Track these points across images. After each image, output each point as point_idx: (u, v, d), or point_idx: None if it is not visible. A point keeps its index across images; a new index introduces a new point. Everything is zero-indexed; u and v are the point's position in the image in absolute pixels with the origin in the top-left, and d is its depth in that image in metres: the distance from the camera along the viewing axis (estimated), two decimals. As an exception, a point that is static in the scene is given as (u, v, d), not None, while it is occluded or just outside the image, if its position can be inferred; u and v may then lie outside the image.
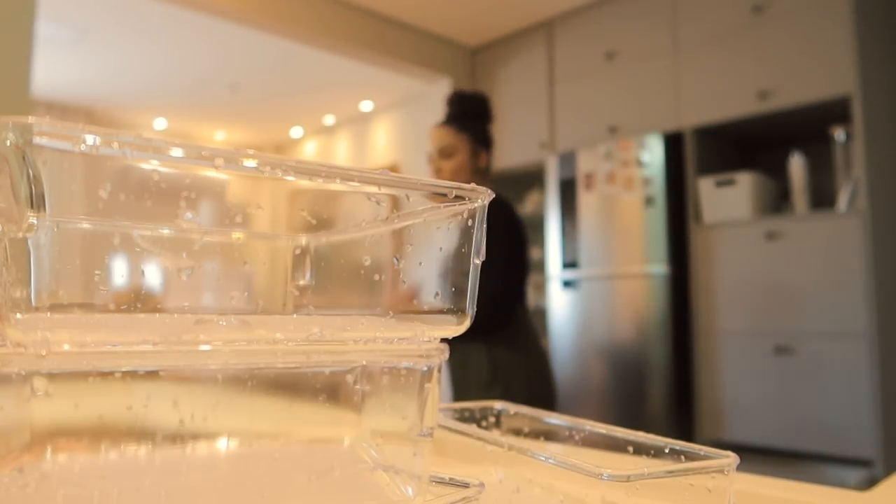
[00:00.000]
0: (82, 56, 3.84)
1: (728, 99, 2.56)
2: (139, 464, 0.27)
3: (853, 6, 2.29)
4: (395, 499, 0.32)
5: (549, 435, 0.54)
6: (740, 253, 2.49)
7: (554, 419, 0.53)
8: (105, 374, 0.25)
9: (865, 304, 2.16)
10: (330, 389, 0.33)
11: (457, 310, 0.33)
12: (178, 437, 0.28)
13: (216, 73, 4.15)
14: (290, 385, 0.31)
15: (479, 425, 0.81)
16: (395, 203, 0.34)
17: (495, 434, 0.67)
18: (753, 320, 2.41)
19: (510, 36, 3.58)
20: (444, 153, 1.62)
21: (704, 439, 2.48)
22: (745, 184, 2.51)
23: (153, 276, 0.30)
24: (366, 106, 4.76)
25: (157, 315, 0.30)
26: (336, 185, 0.29)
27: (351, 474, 0.34)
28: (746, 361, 2.40)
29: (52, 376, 0.24)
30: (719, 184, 2.55)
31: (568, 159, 3.09)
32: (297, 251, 0.42)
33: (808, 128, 2.56)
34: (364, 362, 0.33)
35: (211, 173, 0.27)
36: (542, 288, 3.27)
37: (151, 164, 0.25)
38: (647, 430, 0.42)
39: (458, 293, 0.33)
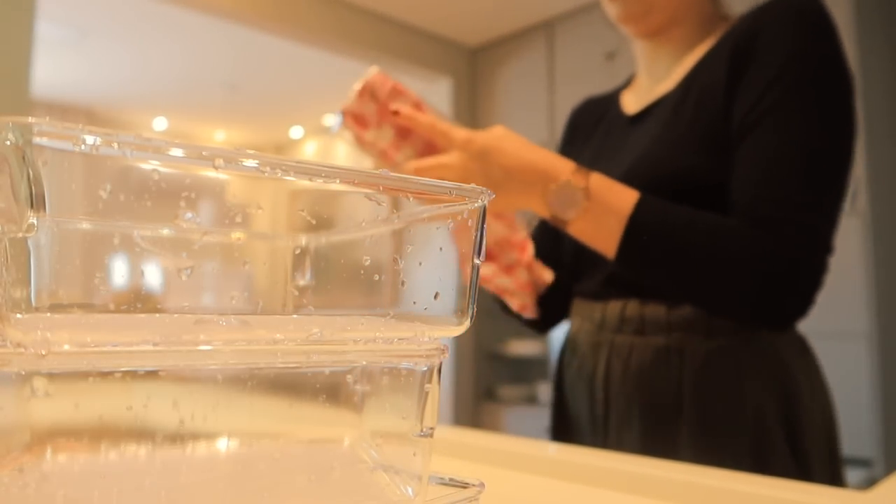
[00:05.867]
0: (82, 56, 3.85)
1: (728, 99, 2.56)
2: (139, 464, 0.27)
3: (853, 6, 2.29)
4: (395, 499, 0.32)
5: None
6: (740, 253, 2.48)
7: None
8: (105, 374, 0.25)
9: (866, 304, 2.15)
10: (330, 389, 0.33)
11: (457, 310, 0.33)
12: (178, 437, 0.28)
13: (216, 73, 4.15)
14: (290, 385, 0.31)
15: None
16: (395, 203, 0.34)
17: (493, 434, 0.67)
18: (753, 320, 2.41)
19: (510, 36, 3.58)
20: None
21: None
22: (745, 184, 2.50)
23: (153, 276, 0.30)
24: (366, 106, 4.76)
25: (157, 315, 0.30)
26: (336, 185, 0.29)
27: (351, 474, 0.34)
28: (746, 361, 2.40)
29: (52, 376, 0.24)
30: (719, 184, 2.55)
31: (568, 159, 3.09)
32: (297, 251, 0.42)
33: (808, 128, 2.56)
34: (364, 362, 0.33)
35: (211, 173, 0.27)
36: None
37: (151, 164, 0.25)
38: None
39: (459, 293, 0.33)
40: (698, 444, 0.67)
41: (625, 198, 0.64)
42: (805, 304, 0.65)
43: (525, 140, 0.68)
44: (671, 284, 0.67)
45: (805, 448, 0.67)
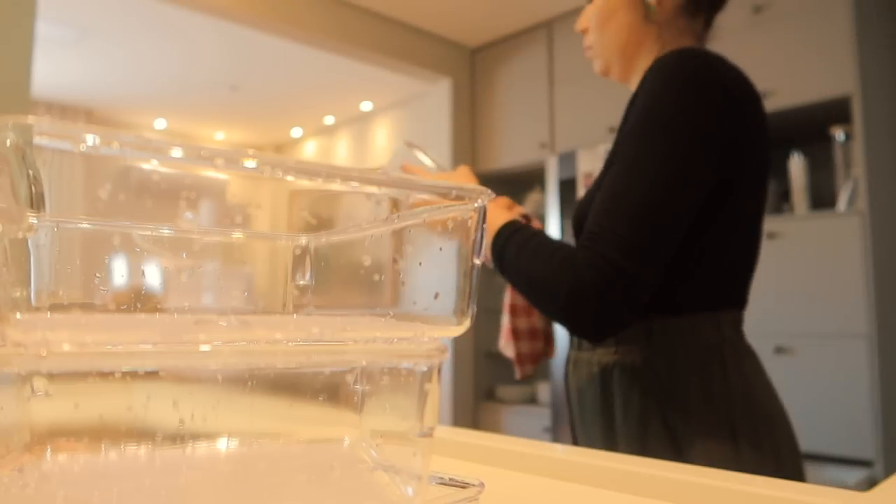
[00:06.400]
0: (82, 56, 3.84)
1: (728, 99, 2.56)
2: (139, 464, 0.27)
3: (853, 6, 2.29)
4: (395, 499, 0.32)
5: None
6: (740, 253, 2.48)
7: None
8: (105, 374, 0.25)
9: (865, 304, 2.16)
10: (330, 389, 0.33)
11: (457, 310, 0.33)
12: (178, 437, 0.28)
13: (216, 73, 4.15)
14: (290, 385, 0.31)
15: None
16: (395, 203, 0.34)
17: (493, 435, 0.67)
18: (753, 320, 2.41)
19: (510, 36, 3.58)
20: None
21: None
22: (745, 184, 2.51)
23: (153, 276, 0.30)
24: (366, 106, 4.76)
25: (157, 315, 0.30)
26: (336, 186, 0.29)
27: (351, 474, 0.34)
28: (746, 361, 2.40)
29: (52, 376, 0.24)
30: (719, 184, 2.55)
31: (568, 159, 3.09)
32: (297, 251, 0.42)
33: (808, 128, 2.56)
34: (364, 362, 0.33)
35: (211, 173, 0.27)
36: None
37: (151, 164, 0.25)
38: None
39: (459, 293, 0.33)
40: (607, 447, 0.78)
41: (499, 221, 0.79)
42: (606, 324, 0.72)
43: (468, 174, 0.85)
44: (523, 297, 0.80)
45: (684, 453, 0.74)
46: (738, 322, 0.83)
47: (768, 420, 0.78)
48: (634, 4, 0.85)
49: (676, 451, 0.74)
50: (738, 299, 0.83)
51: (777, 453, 0.77)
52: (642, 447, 0.76)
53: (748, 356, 0.81)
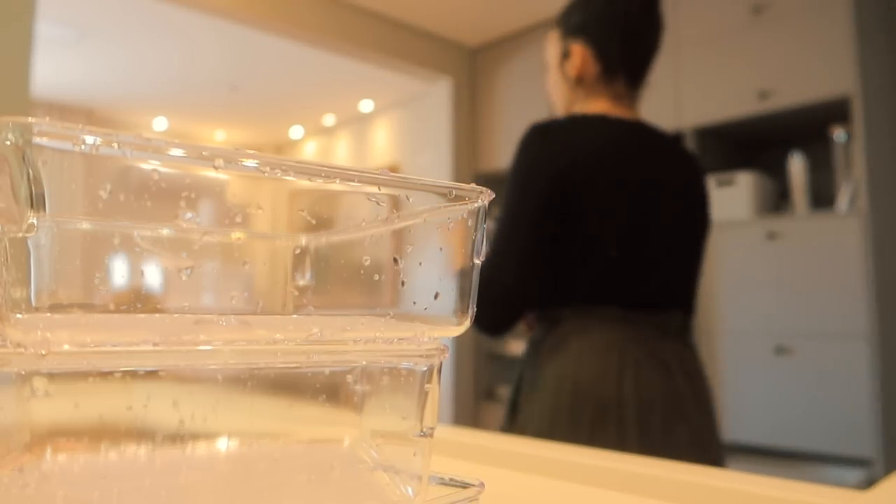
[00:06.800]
0: (82, 56, 3.85)
1: (728, 99, 2.56)
2: (139, 464, 0.27)
3: (853, 6, 2.29)
4: (395, 499, 0.32)
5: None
6: (740, 253, 2.49)
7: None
8: (105, 374, 0.25)
9: (865, 304, 2.16)
10: (330, 389, 0.33)
11: (457, 310, 0.33)
12: (178, 437, 0.28)
13: (216, 73, 4.15)
14: (290, 385, 0.31)
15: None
16: (395, 203, 0.34)
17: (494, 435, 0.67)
18: (753, 320, 2.41)
19: (510, 36, 3.58)
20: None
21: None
22: (745, 184, 2.51)
23: (153, 276, 0.30)
24: (366, 106, 4.76)
25: (157, 315, 0.30)
26: (336, 185, 0.29)
27: (351, 474, 0.34)
28: (746, 361, 2.40)
29: (52, 376, 0.24)
30: (719, 184, 2.56)
31: (568, 159, 3.08)
32: (297, 251, 0.42)
33: (808, 128, 2.56)
34: (364, 362, 0.33)
35: (211, 173, 0.27)
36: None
37: (151, 164, 0.25)
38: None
39: (459, 293, 0.33)
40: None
41: None
42: (496, 326, 1.01)
43: None
44: None
45: (517, 419, 1.01)
46: (615, 320, 0.99)
47: (591, 408, 0.95)
48: (567, 79, 1.12)
49: (513, 415, 1.03)
50: (623, 300, 1.00)
51: (605, 441, 0.92)
52: (512, 404, 1.05)
53: (612, 348, 0.97)
